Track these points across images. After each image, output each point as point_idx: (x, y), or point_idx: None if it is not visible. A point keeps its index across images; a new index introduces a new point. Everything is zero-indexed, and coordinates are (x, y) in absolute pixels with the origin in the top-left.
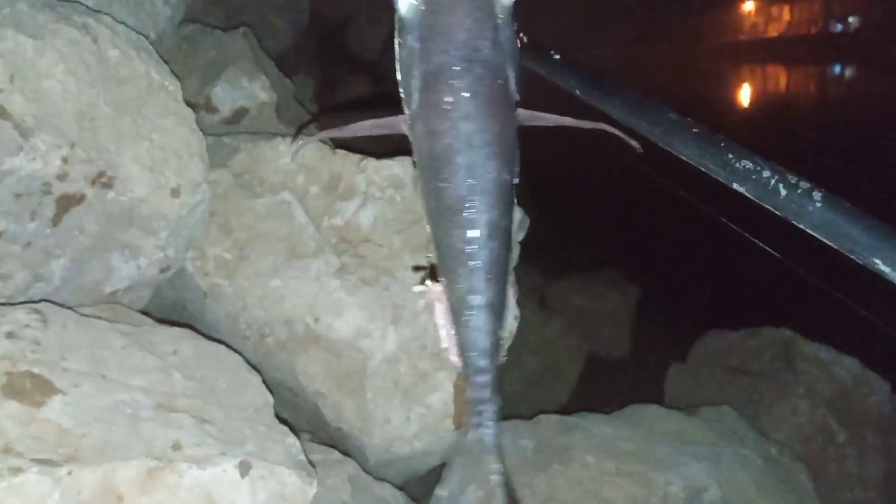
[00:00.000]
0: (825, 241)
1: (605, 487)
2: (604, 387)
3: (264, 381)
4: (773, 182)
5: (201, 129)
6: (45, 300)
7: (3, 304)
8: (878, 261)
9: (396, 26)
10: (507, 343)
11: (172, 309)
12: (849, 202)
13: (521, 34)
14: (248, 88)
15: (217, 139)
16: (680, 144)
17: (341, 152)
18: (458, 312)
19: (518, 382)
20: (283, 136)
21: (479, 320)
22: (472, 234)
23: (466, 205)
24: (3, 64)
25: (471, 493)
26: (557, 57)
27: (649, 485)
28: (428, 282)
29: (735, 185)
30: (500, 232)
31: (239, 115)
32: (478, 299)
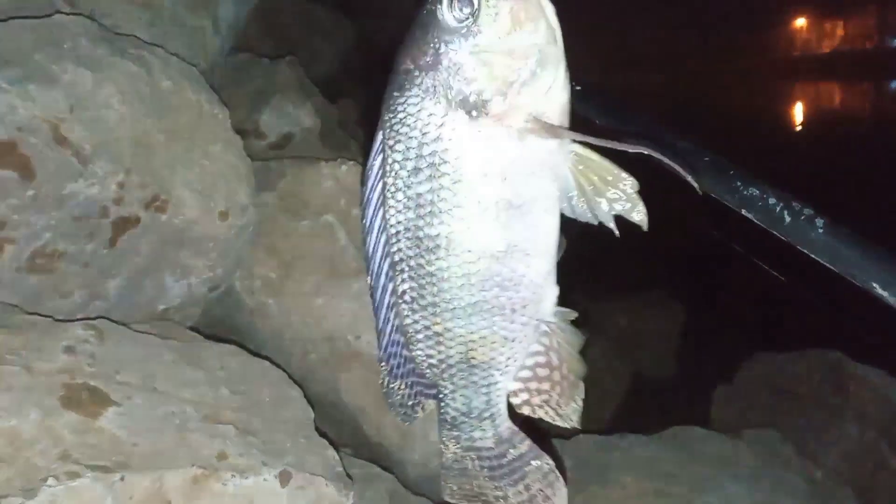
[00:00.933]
0: (828, 265)
1: None
2: (647, 409)
3: (306, 397)
4: (778, 209)
5: (249, 155)
6: (102, 317)
7: (62, 321)
8: (875, 285)
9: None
10: None
11: (221, 325)
12: (852, 229)
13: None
14: (293, 115)
15: (264, 164)
16: (691, 172)
17: None
18: None
19: None
20: (327, 160)
21: None
22: None
23: None
24: (65, 95)
25: None
26: (578, 88)
27: None
28: None
29: (743, 212)
30: None
31: (285, 140)
32: None
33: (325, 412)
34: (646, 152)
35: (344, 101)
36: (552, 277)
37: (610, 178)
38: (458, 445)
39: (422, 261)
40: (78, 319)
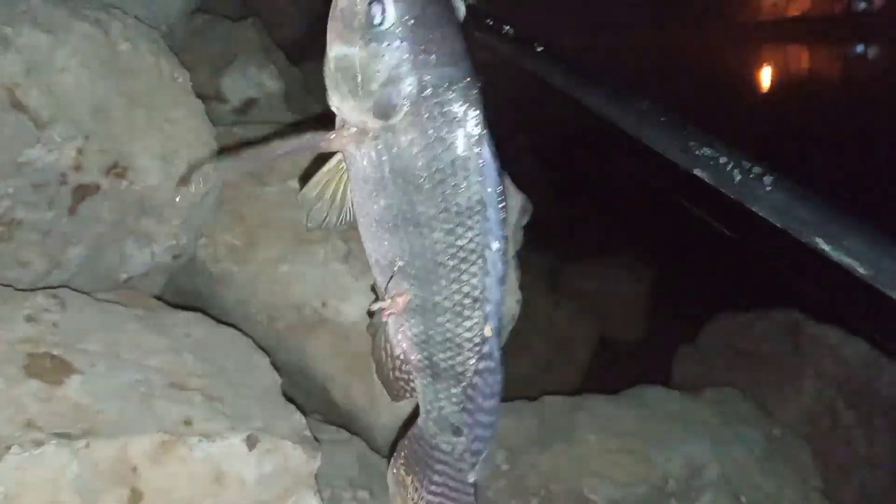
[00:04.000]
0: (775, 223)
1: (607, 465)
2: (614, 370)
3: (273, 363)
4: (728, 167)
5: (211, 119)
6: (64, 286)
7: (23, 290)
8: (819, 240)
9: (362, 40)
10: (509, 326)
11: (186, 294)
12: (800, 184)
13: (507, 26)
14: (256, 78)
15: (227, 129)
16: (649, 133)
17: None
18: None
19: (528, 366)
20: (291, 125)
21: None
22: (492, 233)
23: (487, 205)
24: (20, 59)
25: None
26: (540, 49)
27: (650, 462)
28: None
29: (696, 171)
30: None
31: (248, 104)
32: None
33: (294, 380)
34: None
35: (309, 65)
36: None
37: None
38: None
39: None
40: (40, 288)
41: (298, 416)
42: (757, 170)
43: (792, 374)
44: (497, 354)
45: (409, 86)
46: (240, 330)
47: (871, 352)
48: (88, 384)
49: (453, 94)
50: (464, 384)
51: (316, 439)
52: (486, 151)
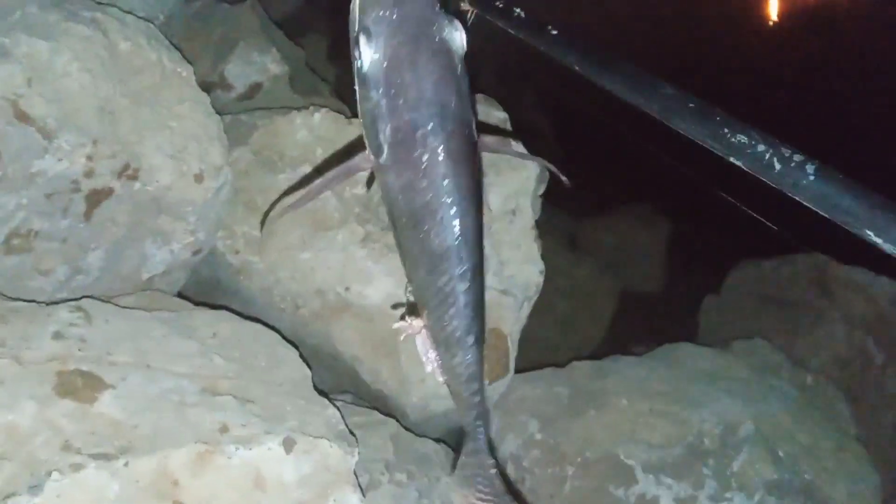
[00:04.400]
0: (820, 212)
1: (640, 428)
2: (638, 325)
3: (301, 355)
4: (767, 156)
5: (217, 108)
6: (87, 296)
7: (47, 304)
8: (870, 232)
9: (357, 78)
10: (533, 297)
11: (209, 286)
12: (841, 173)
13: (517, 9)
14: (259, 63)
15: (234, 118)
16: (677, 119)
17: (357, 121)
18: (447, 348)
19: (552, 327)
20: (299, 109)
21: (468, 356)
22: (461, 280)
23: (452, 254)
24: (21, 69)
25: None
26: (555, 32)
27: (684, 423)
28: (408, 318)
29: (732, 159)
30: (481, 271)
31: (253, 90)
32: (468, 338)
33: (324, 362)
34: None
35: (310, 37)
36: None
37: None
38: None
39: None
40: (63, 301)
41: (332, 410)
42: (798, 158)
43: (821, 318)
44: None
45: (385, 128)
46: (265, 323)
47: None
48: (121, 399)
49: (419, 140)
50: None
51: (351, 433)
52: (455, 198)
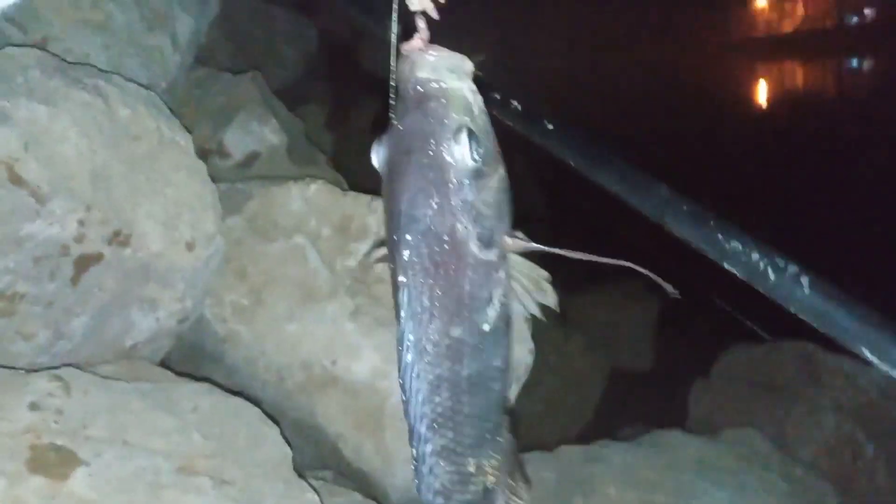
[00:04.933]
0: (814, 326)
1: None
2: (627, 405)
3: (282, 433)
4: (762, 265)
5: (214, 175)
6: (67, 364)
7: (27, 371)
8: (865, 350)
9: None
10: (522, 378)
11: (193, 353)
12: (837, 287)
13: (515, 102)
14: (258, 133)
15: (230, 186)
16: (671, 221)
17: (352, 193)
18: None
19: (539, 402)
20: (295, 179)
21: (426, 466)
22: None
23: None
24: (19, 133)
25: None
26: (551, 127)
27: None
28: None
29: (725, 265)
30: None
31: (251, 158)
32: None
33: (305, 436)
34: (626, 265)
35: (309, 107)
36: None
37: (534, 276)
38: None
39: (463, 396)
40: (42, 369)
41: (311, 494)
42: (793, 269)
43: (811, 406)
44: None
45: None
46: (247, 396)
47: (888, 380)
48: (94, 477)
49: (392, 252)
50: None
51: None
52: (409, 314)
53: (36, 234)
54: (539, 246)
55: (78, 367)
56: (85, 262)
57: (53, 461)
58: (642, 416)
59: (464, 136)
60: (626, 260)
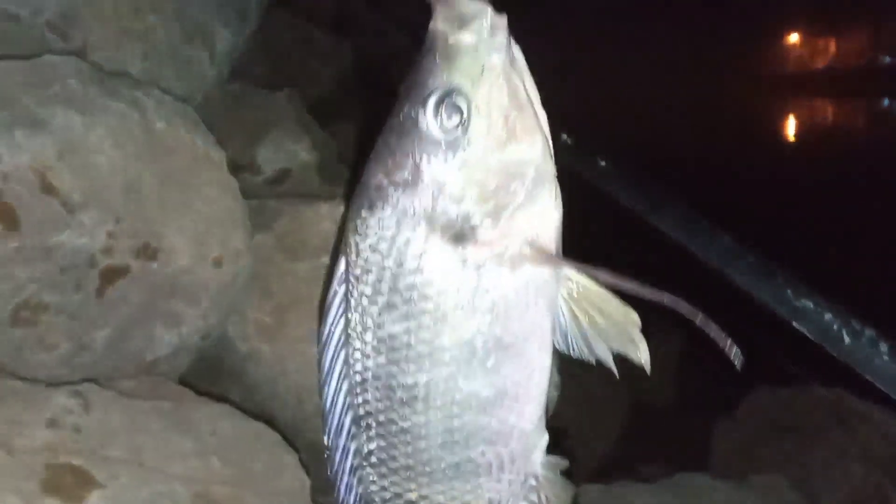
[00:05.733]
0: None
1: None
2: (648, 441)
3: (301, 459)
4: (835, 327)
5: (244, 190)
6: (87, 379)
7: (46, 386)
8: None
9: None
10: (549, 413)
11: (213, 369)
12: None
13: (567, 136)
14: (291, 150)
15: (261, 202)
16: (734, 272)
17: None
18: None
19: (558, 436)
20: (326, 200)
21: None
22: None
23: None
24: (53, 141)
25: None
26: (604, 164)
27: None
28: None
29: (794, 324)
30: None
31: (282, 175)
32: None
33: (320, 458)
34: (669, 303)
35: (342, 126)
36: (542, 423)
37: (611, 313)
38: None
39: (394, 415)
40: (62, 384)
41: None
42: (869, 333)
43: (838, 453)
44: None
45: None
46: (267, 417)
47: None
48: (110, 500)
49: None
50: None
51: None
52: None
53: (64, 245)
54: (589, 269)
55: (97, 382)
56: (112, 275)
57: (69, 482)
58: (663, 452)
59: (433, 101)
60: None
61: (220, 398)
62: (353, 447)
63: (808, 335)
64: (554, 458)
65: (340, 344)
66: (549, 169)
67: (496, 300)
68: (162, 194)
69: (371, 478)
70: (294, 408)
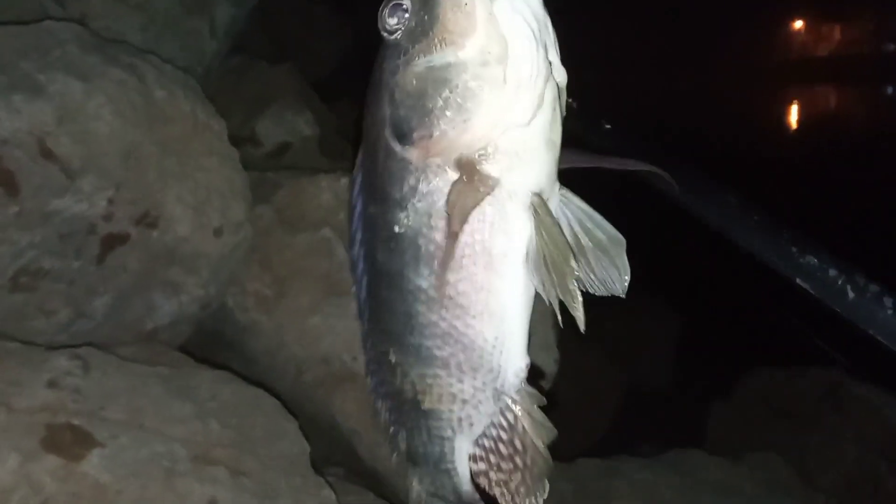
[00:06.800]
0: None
1: None
2: (645, 420)
3: (300, 427)
4: (839, 282)
5: (245, 163)
6: (87, 343)
7: (46, 349)
8: None
9: None
10: (546, 386)
11: (212, 341)
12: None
13: (571, 100)
14: (292, 123)
15: (261, 174)
16: (739, 232)
17: None
18: None
19: (556, 416)
20: (326, 171)
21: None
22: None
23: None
24: (52, 106)
25: None
26: (608, 126)
27: None
28: None
29: (798, 281)
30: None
31: (283, 149)
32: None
33: (319, 431)
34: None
35: (342, 103)
36: (513, 349)
37: (560, 263)
38: (422, 486)
39: (375, 285)
40: (62, 347)
41: (328, 491)
42: (874, 288)
43: (833, 435)
44: None
45: None
46: (266, 386)
47: None
48: (109, 459)
49: None
50: None
51: None
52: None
53: (63, 211)
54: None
55: (98, 347)
56: (111, 242)
57: (69, 441)
58: (659, 433)
59: (389, 4)
60: None
61: (220, 365)
62: (362, 295)
63: (811, 291)
64: (532, 391)
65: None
66: (506, 74)
67: (431, 206)
68: (162, 163)
69: (367, 328)
70: (293, 379)
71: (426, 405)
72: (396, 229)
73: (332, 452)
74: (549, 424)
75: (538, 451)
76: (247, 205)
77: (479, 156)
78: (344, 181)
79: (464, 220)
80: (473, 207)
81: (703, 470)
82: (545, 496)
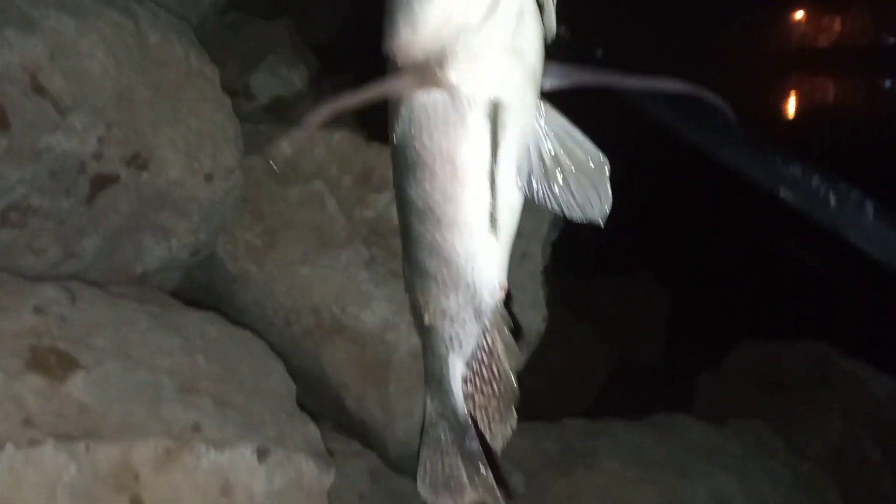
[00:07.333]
0: (874, 256)
1: (629, 494)
2: (632, 392)
3: (288, 370)
4: (822, 191)
5: (239, 116)
6: (76, 277)
7: (33, 280)
8: None
9: None
10: (534, 344)
11: (201, 291)
12: None
13: (564, 27)
14: (287, 77)
15: (253, 126)
16: (726, 148)
17: (376, 144)
18: None
19: (544, 383)
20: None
21: None
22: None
23: None
24: (45, 42)
25: None
26: (600, 54)
27: (674, 494)
28: None
29: (781, 192)
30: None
31: (276, 103)
32: None
33: (307, 383)
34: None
35: (339, 64)
36: (484, 266)
37: (582, 156)
38: (432, 405)
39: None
40: (51, 279)
41: (313, 426)
42: (856, 195)
43: (819, 407)
44: None
45: None
46: (255, 332)
47: None
48: (94, 383)
49: None
50: None
51: (330, 453)
52: None
53: (54, 147)
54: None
55: (86, 281)
56: (101, 182)
57: (53, 363)
58: (646, 403)
59: None
60: None
61: (209, 307)
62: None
63: (795, 203)
64: (504, 313)
65: None
66: None
67: (411, 113)
68: (154, 106)
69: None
70: (281, 329)
71: (427, 321)
72: (393, 140)
73: (318, 406)
74: (515, 349)
75: (506, 376)
76: (238, 152)
77: (435, 58)
78: (337, 136)
79: (380, 93)
80: (405, 90)
81: (689, 432)
82: (514, 426)
